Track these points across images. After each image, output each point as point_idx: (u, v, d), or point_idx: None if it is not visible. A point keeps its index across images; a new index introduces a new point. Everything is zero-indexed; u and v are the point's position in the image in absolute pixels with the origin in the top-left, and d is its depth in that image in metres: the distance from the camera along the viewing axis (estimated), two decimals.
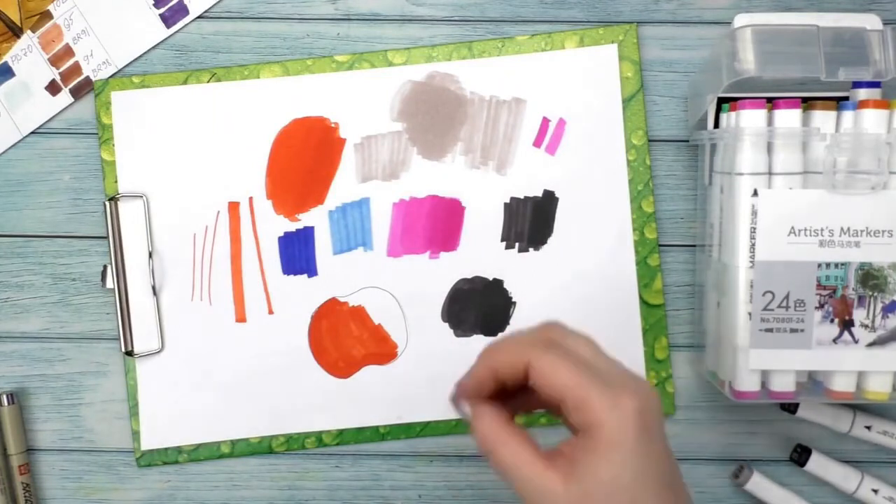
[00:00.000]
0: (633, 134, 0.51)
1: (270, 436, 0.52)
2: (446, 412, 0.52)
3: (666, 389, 0.52)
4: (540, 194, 0.51)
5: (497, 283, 0.52)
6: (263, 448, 0.52)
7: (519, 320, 0.52)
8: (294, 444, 0.52)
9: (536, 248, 0.52)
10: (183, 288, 0.52)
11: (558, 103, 0.51)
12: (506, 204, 0.52)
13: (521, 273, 0.51)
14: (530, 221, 0.52)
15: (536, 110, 0.51)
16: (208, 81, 0.51)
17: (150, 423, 0.52)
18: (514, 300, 0.52)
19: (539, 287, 0.51)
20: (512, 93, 0.51)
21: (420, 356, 0.52)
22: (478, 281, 0.52)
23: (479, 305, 0.52)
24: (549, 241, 0.52)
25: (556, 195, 0.51)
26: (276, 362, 0.52)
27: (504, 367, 0.37)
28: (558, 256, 0.51)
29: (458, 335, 0.52)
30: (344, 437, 0.52)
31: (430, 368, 0.52)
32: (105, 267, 0.51)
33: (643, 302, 0.51)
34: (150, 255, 0.51)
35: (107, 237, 0.52)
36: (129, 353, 0.52)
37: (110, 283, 0.51)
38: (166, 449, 0.52)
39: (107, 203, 0.51)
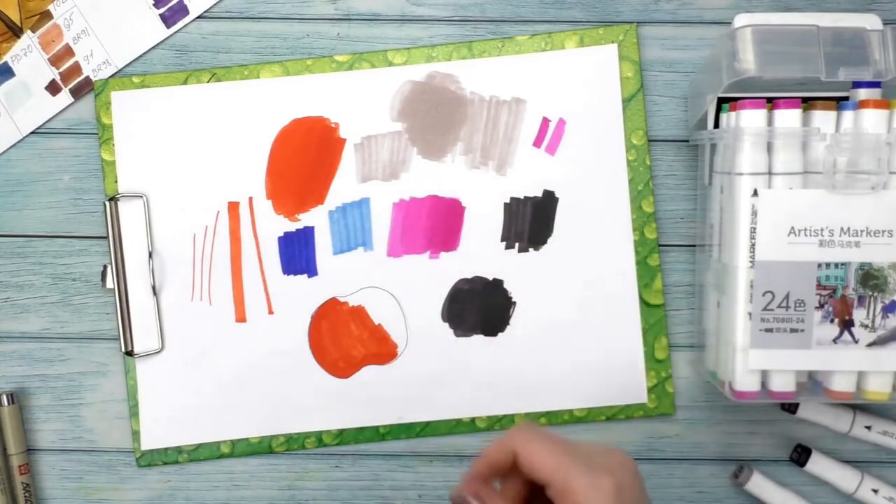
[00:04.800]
0: (633, 134, 0.51)
1: (270, 436, 0.52)
2: (446, 412, 0.52)
3: (666, 389, 0.52)
4: (540, 194, 0.51)
5: (497, 283, 0.52)
6: (263, 448, 0.52)
7: (519, 320, 0.52)
8: (294, 444, 0.52)
9: (536, 248, 0.52)
10: (183, 288, 0.52)
11: (558, 103, 0.51)
12: (506, 204, 0.52)
13: (520, 273, 0.51)
14: (530, 221, 0.52)
15: (536, 110, 0.51)
16: (208, 81, 0.51)
17: (150, 423, 0.52)
18: (513, 300, 0.52)
19: (539, 287, 0.51)
20: (512, 93, 0.51)
21: (420, 356, 0.52)
22: (478, 281, 0.52)
23: (479, 305, 0.52)
24: (549, 241, 0.52)
25: (556, 195, 0.51)
26: (276, 362, 0.52)
27: (496, 459, 0.38)
28: (558, 256, 0.51)
29: (458, 335, 0.52)
30: (344, 437, 0.52)
31: (431, 368, 0.52)
32: (105, 267, 0.51)
33: (643, 302, 0.51)
34: (150, 255, 0.51)
35: (107, 237, 0.52)
36: (129, 353, 0.52)
37: (110, 283, 0.51)
38: (166, 449, 0.52)
39: (107, 203, 0.51)
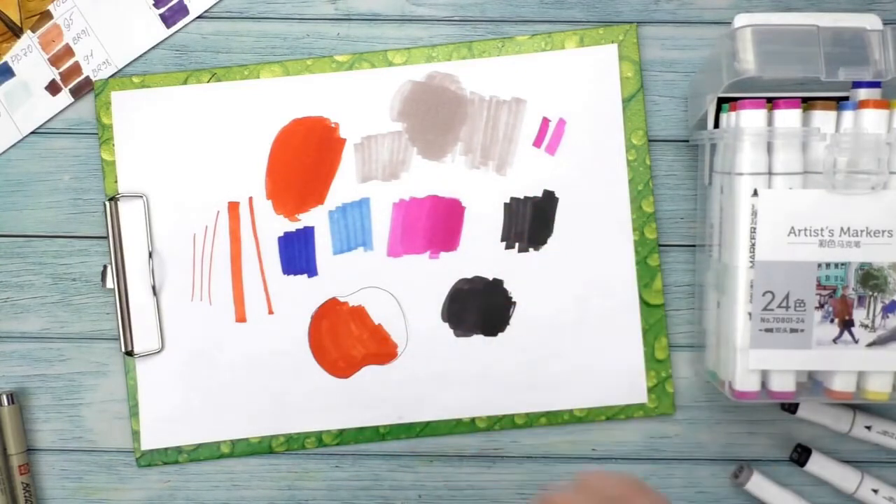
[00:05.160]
0: (633, 134, 0.51)
1: (270, 436, 0.52)
2: (446, 412, 0.52)
3: (666, 389, 0.52)
4: (540, 194, 0.51)
5: (497, 283, 0.52)
6: (263, 448, 0.52)
7: (519, 320, 0.52)
8: (294, 444, 0.52)
9: (536, 248, 0.52)
10: (183, 288, 0.52)
11: (558, 103, 0.51)
12: (506, 204, 0.52)
13: (521, 273, 0.51)
14: (530, 221, 0.52)
15: (536, 110, 0.51)
16: (208, 81, 0.51)
17: (150, 423, 0.52)
18: (513, 300, 0.52)
19: (539, 287, 0.51)
20: (512, 93, 0.51)
21: (420, 356, 0.52)
22: (478, 281, 0.52)
23: (479, 305, 0.52)
24: (549, 241, 0.52)
25: (556, 195, 0.51)
26: (276, 362, 0.52)
27: None
28: (558, 256, 0.51)
29: (457, 335, 0.52)
30: (344, 437, 0.52)
31: (431, 368, 0.52)
32: (105, 267, 0.51)
33: (643, 302, 0.51)
34: (150, 255, 0.51)
35: (107, 237, 0.52)
36: (129, 354, 0.52)
37: (110, 283, 0.51)
38: (166, 449, 0.52)
39: (107, 203, 0.51)
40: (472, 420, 0.52)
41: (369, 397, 0.52)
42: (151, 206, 0.52)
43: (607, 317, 0.51)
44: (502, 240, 0.52)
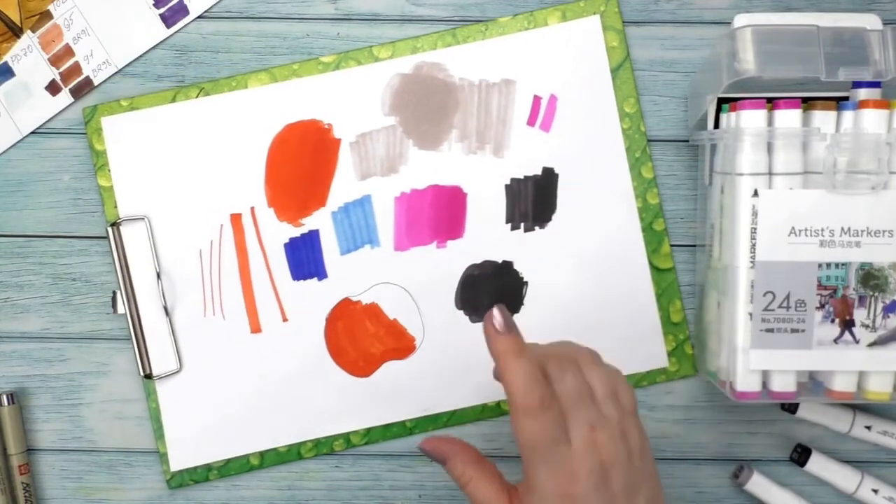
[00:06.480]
0: (624, 102, 0.51)
1: (299, 443, 0.52)
2: (471, 399, 0.52)
3: (685, 351, 0.51)
4: (539, 172, 0.51)
5: (507, 265, 0.52)
6: (293, 456, 0.52)
7: (532, 300, 0.51)
8: (323, 448, 0.52)
9: (542, 226, 0.52)
10: (194, 305, 0.52)
11: (547, 80, 0.51)
12: (506, 185, 0.51)
13: (529, 252, 0.51)
14: (533, 200, 0.51)
15: (527, 89, 0.51)
16: (197, 97, 0.51)
17: (177, 443, 0.52)
18: (525, 280, 0.52)
19: (549, 264, 0.51)
20: (500, 74, 0.51)
21: (439, 346, 0.52)
22: (487, 265, 0.52)
23: (491, 289, 0.52)
24: (554, 217, 0.51)
25: (556, 171, 0.51)
26: (296, 369, 0.52)
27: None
28: (565, 232, 0.51)
29: (473, 321, 0.52)
30: (372, 435, 0.52)
31: (450, 357, 0.52)
32: (115, 293, 0.51)
33: (653, 267, 0.51)
34: (159, 275, 0.51)
35: (112, 263, 0.51)
36: (149, 377, 0.51)
37: (121, 308, 0.51)
38: (196, 468, 0.52)
39: (109, 229, 0.51)
40: (498, 404, 0.52)
41: (393, 393, 0.52)
42: (154, 226, 0.51)
43: (619, 286, 0.51)
44: (507, 221, 0.52)
